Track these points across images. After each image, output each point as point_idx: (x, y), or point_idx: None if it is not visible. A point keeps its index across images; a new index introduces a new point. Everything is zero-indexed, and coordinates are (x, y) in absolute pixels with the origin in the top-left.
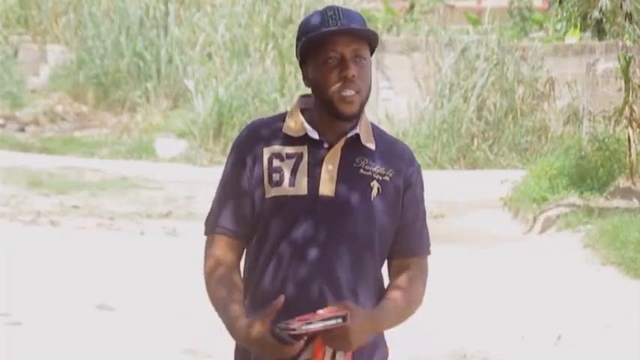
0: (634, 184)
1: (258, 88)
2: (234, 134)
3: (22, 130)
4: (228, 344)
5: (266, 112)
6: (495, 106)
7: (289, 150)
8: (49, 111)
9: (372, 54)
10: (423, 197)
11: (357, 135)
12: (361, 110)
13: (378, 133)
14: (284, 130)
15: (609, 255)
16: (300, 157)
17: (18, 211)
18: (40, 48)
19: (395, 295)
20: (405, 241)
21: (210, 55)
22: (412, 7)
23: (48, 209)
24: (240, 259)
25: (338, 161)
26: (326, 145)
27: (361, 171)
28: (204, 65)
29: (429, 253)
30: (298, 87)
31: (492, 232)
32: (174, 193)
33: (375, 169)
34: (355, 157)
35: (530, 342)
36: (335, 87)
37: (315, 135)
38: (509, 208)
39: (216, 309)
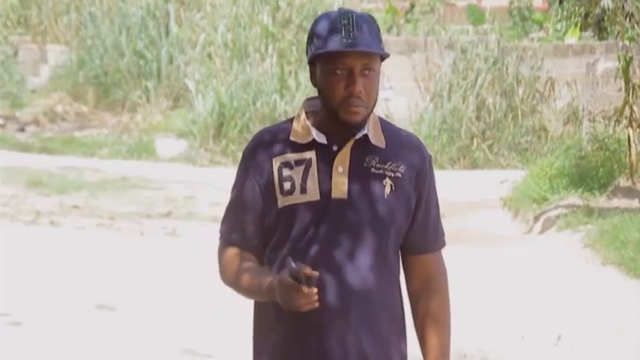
0: (634, 184)
1: (258, 88)
2: (234, 134)
3: (22, 130)
4: (228, 344)
5: (266, 112)
6: (495, 106)
7: (298, 157)
8: (49, 111)
9: (383, 60)
10: (435, 188)
11: (366, 135)
12: (366, 120)
13: (387, 128)
14: (291, 137)
15: (609, 255)
16: (309, 162)
17: (18, 211)
18: (40, 48)
19: (437, 329)
20: (422, 236)
21: (210, 55)
22: (412, 7)
23: (48, 209)
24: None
25: (348, 163)
26: (335, 148)
27: (372, 170)
28: (204, 65)
29: (444, 244)
30: (298, 87)
31: (492, 232)
32: (174, 193)
33: (386, 167)
34: (365, 157)
35: (530, 342)
36: (340, 99)
37: (323, 139)
38: (509, 208)
39: (239, 278)
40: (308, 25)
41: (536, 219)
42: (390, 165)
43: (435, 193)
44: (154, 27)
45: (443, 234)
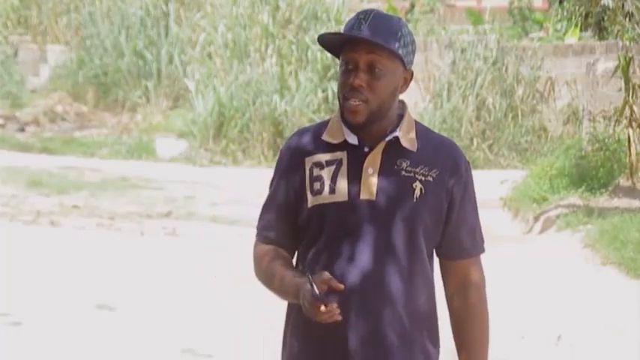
0: (634, 184)
1: (258, 88)
2: (234, 134)
3: (22, 130)
4: (228, 344)
5: (266, 112)
6: (495, 106)
7: (329, 157)
8: (49, 111)
9: (407, 67)
10: (472, 194)
11: (397, 137)
12: (370, 120)
13: (423, 132)
14: (324, 137)
15: (609, 255)
16: (339, 163)
17: (18, 211)
18: (40, 48)
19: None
20: (457, 241)
21: (210, 55)
22: (412, 7)
23: (48, 209)
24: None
25: (378, 164)
26: (366, 150)
27: (403, 173)
28: (204, 65)
29: (483, 251)
30: (298, 87)
31: (492, 232)
32: (174, 193)
33: (417, 170)
34: (396, 160)
35: (530, 342)
36: (343, 92)
37: (354, 140)
38: (509, 208)
39: (268, 277)
40: (308, 25)
41: (536, 219)
42: (422, 169)
43: (471, 199)
44: (153, 27)
45: (482, 240)
